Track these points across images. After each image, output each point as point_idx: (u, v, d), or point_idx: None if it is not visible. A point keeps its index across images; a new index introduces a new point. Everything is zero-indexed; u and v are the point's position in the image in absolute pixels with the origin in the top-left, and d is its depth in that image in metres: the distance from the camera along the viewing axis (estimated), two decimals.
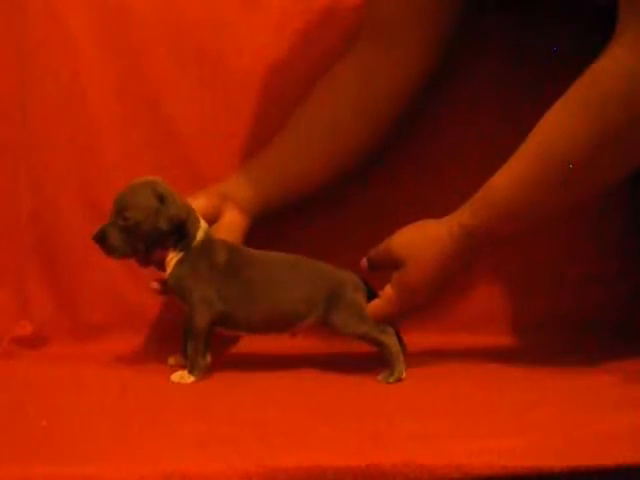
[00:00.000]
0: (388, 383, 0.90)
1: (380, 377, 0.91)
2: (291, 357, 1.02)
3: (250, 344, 1.03)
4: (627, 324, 1.11)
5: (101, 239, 0.92)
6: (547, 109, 0.90)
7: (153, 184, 0.92)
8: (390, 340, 0.93)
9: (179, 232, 0.93)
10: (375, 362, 0.95)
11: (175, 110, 1.13)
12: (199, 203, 0.98)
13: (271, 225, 1.06)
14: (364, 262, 0.97)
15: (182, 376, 0.91)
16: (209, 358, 0.92)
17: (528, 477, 0.62)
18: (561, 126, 0.88)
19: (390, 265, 0.94)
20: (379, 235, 0.97)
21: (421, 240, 0.93)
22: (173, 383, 0.91)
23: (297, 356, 1.02)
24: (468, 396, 0.86)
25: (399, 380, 0.91)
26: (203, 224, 0.95)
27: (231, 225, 1.01)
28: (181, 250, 0.93)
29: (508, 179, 0.90)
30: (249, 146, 1.12)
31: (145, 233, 0.91)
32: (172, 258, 0.93)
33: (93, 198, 1.12)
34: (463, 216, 0.92)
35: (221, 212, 1.01)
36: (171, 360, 0.98)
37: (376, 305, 0.94)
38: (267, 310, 0.94)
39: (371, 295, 0.95)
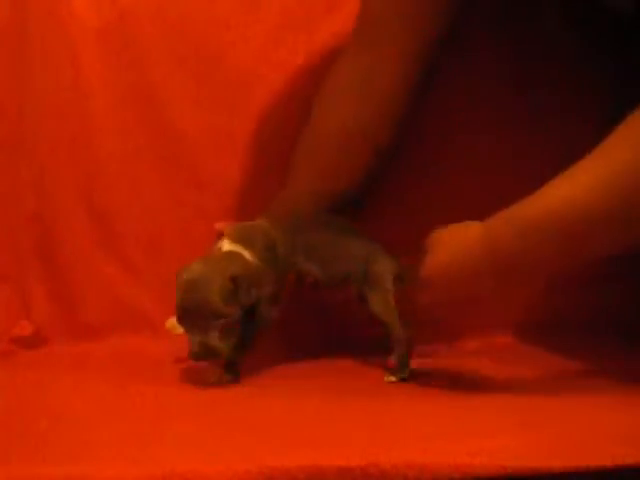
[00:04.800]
0: (396, 380, 0.91)
1: (385, 377, 0.91)
2: (290, 357, 1.02)
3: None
4: (627, 324, 1.11)
5: None
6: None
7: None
8: (409, 339, 0.93)
9: None
10: (375, 362, 0.95)
11: (175, 110, 1.13)
12: None
13: None
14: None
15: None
16: None
17: (528, 477, 0.62)
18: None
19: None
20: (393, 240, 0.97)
21: (447, 238, 0.88)
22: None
23: (296, 356, 1.02)
24: (468, 396, 0.86)
25: (403, 380, 0.91)
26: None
27: None
28: None
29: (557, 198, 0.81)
30: (249, 146, 1.12)
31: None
32: None
33: (93, 198, 1.13)
34: (495, 225, 0.84)
35: None
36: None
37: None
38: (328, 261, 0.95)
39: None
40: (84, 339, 1.11)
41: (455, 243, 0.87)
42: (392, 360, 0.93)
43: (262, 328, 0.93)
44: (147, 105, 1.13)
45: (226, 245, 0.92)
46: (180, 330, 0.91)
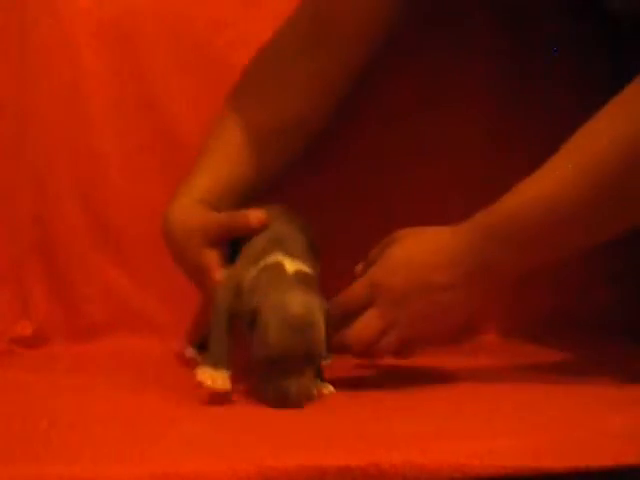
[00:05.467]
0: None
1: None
2: None
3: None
4: (628, 324, 1.11)
5: None
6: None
7: None
8: None
9: None
10: (375, 364, 0.95)
11: (175, 110, 1.13)
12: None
13: None
14: (359, 267, 0.91)
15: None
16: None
17: (528, 477, 0.62)
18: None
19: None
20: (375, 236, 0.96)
21: (420, 230, 0.89)
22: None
23: None
24: (468, 396, 0.86)
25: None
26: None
27: None
28: None
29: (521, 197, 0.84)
30: None
31: None
32: None
33: (93, 198, 1.13)
34: (462, 231, 0.86)
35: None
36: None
37: (349, 288, 0.88)
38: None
39: None
40: (84, 339, 1.11)
41: (424, 238, 0.87)
42: None
43: None
44: (147, 105, 1.13)
45: (288, 264, 0.84)
46: (224, 384, 0.81)
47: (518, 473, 0.62)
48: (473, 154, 1.14)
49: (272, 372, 0.79)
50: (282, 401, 0.79)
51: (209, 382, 0.81)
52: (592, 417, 0.74)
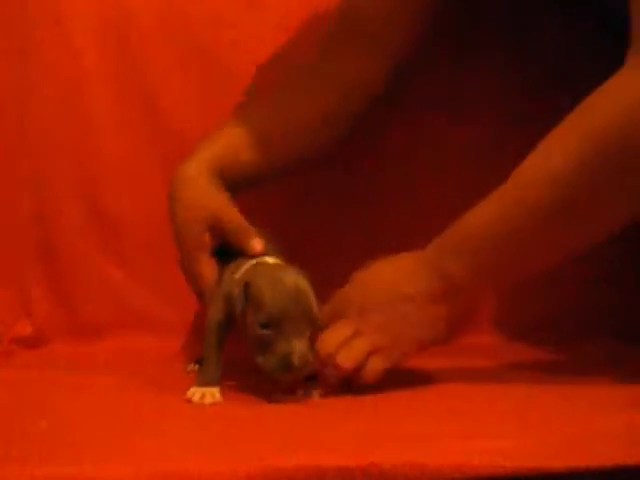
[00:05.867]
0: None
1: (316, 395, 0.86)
2: None
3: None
4: (627, 324, 1.11)
5: None
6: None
7: None
8: None
9: None
10: None
11: (175, 110, 1.13)
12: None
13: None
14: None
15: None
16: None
17: (528, 477, 0.62)
18: (550, 162, 0.83)
19: None
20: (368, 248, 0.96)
21: (387, 257, 0.91)
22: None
23: None
24: (468, 396, 0.86)
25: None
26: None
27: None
28: None
29: (480, 221, 0.86)
30: None
31: None
32: None
33: (94, 198, 1.13)
34: (427, 252, 0.89)
35: None
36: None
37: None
38: None
39: None
40: (84, 339, 1.11)
41: (388, 261, 0.90)
42: None
43: None
44: (148, 105, 1.13)
45: (268, 259, 0.89)
46: (214, 399, 0.83)
47: (518, 473, 0.62)
48: (477, 160, 1.14)
49: (272, 338, 0.80)
50: (286, 365, 0.79)
51: (197, 399, 0.83)
52: (591, 417, 0.74)
